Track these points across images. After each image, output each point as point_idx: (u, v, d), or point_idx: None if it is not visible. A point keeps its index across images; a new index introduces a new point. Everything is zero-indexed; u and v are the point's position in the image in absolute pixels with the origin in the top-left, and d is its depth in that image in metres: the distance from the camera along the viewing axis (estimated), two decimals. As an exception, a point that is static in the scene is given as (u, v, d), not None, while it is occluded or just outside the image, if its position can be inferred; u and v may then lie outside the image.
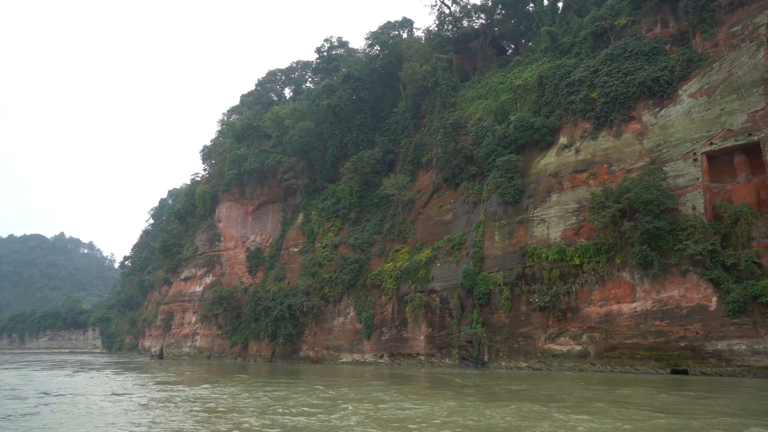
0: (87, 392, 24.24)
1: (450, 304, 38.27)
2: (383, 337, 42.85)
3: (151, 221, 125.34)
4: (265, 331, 50.57)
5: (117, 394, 23.36)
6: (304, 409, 17.62)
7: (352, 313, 45.96)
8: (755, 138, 27.63)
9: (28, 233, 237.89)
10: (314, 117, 57.74)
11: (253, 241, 63.14)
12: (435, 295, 39.56)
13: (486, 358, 35.35)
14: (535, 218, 35.36)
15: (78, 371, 40.09)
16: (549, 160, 36.51)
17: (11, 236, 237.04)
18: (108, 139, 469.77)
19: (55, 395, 23.17)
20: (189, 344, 65.13)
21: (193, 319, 65.62)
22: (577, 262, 31.88)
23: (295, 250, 55.75)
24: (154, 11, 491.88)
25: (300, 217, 57.18)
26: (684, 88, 31.41)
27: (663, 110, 31.84)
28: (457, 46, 53.46)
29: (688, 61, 31.94)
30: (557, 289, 32.38)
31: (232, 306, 57.86)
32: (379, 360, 42.52)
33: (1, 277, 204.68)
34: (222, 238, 67.21)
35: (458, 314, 37.73)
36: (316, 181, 57.44)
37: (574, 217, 33.31)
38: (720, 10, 31.33)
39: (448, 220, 42.81)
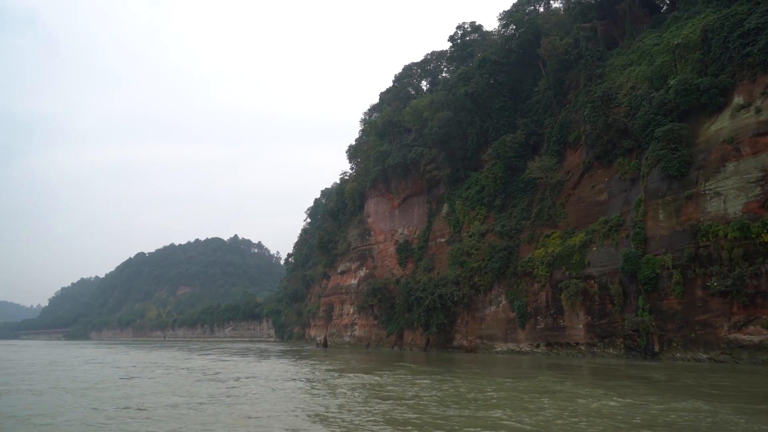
0: (274, 377, 27.04)
1: (610, 290, 35.65)
2: (538, 326, 41.43)
3: (308, 220, 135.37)
4: (419, 320, 51.89)
5: (300, 380, 25.68)
6: (488, 401, 17.18)
7: (503, 302, 45.13)
8: None
9: (209, 237, 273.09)
10: (452, 106, 57.49)
11: (401, 234, 65.02)
12: (593, 281, 37.16)
13: (656, 349, 32.34)
14: (707, 192, 31.32)
15: (261, 359, 44.85)
16: (721, 124, 32.03)
17: (197, 240, 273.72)
18: (265, 147, 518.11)
19: (248, 378, 26.21)
20: (349, 333, 69.37)
21: (351, 310, 69.69)
22: (766, 239, 27.61)
23: (442, 240, 56.24)
24: (303, 34, 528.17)
25: (445, 208, 57.51)
26: None
27: None
28: (601, 12, 49.28)
29: None
30: (741, 270, 28.38)
31: (386, 297, 60.27)
32: (536, 349, 41.20)
33: (192, 276, 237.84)
34: (372, 233, 70.25)
35: (620, 301, 35.00)
36: (459, 171, 57.23)
37: (759, 188, 28.83)
38: None
39: (602, 200, 39.86)
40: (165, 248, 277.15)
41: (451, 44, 72.74)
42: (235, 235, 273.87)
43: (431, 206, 61.50)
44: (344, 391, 20.58)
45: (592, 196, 40.83)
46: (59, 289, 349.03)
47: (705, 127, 33.06)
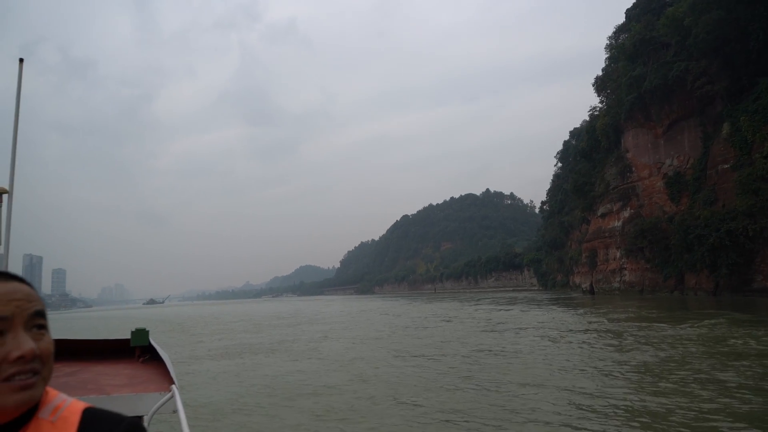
0: (558, 327, 25.60)
1: None
2: None
3: (559, 165, 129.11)
4: (702, 262, 45.46)
5: (593, 330, 23.26)
6: None
7: (823, 233, 36.17)
8: None
9: (462, 194, 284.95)
10: (722, 4, 47.12)
11: (669, 166, 57.26)
12: None
13: None
14: None
15: (533, 307, 44.37)
16: None
17: (452, 198, 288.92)
18: (504, 98, 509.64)
19: (533, 328, 25.60)
20: (617, 279, 64.88)
21: (618, 254, 64.85)
22: None
23: (726, 166, 47.52)
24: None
25: (725, 128, 48.22)
26: None
27: None
28: None
29: None
30: None
31: (658, 238, 54.23)
32: None
33: (452, 232, 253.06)
34: (633, 168, 63.57)
35: None
36: (740, 80, 47.07)
37: None
38: None
39: None
40: (425, 209, 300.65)
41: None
42: (487, 189, 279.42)
43: (706, 128, 52.31)
44: (663, 345, 17.28)
45: None
46: (346, 252, 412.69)
47: None
